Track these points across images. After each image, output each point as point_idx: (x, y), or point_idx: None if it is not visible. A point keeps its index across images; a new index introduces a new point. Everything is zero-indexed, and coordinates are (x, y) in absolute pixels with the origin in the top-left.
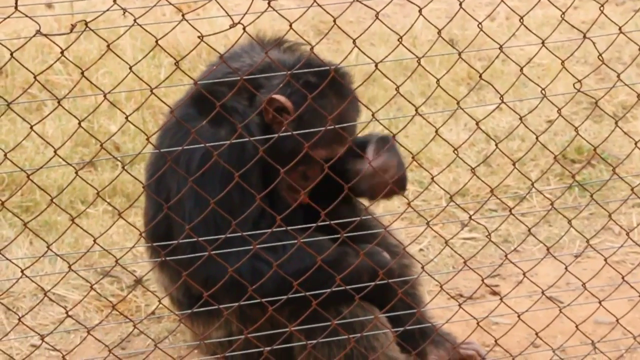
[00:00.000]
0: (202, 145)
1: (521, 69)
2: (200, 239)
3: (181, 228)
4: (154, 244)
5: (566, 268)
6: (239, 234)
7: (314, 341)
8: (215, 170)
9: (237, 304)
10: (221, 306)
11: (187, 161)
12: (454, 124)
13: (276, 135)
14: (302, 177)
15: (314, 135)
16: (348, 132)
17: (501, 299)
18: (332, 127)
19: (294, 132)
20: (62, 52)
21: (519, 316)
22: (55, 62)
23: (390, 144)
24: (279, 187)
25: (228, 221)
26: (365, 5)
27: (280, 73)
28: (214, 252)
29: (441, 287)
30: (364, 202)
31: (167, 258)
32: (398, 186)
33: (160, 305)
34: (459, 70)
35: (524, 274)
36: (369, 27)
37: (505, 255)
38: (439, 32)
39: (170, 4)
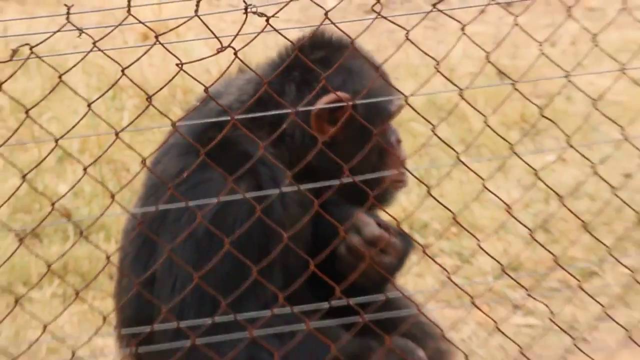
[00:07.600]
0: (214, 201)
1: (594, 102)
2: (184, 324)
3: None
4: (130, 330)
5: None
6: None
7: None
8: (227, 235)
9: None
10: None
11: (191, 221)
12: (502, 180)
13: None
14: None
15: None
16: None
17: None
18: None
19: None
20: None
21: None
22: None
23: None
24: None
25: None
26: (392, 22)
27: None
28: (204, 339)
29: None
30: None
31: (143, 348)
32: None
33: None
34: (509, 111)
35: None
36: (393, 54)
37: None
38: (487, 56)
39: (142, 23)
